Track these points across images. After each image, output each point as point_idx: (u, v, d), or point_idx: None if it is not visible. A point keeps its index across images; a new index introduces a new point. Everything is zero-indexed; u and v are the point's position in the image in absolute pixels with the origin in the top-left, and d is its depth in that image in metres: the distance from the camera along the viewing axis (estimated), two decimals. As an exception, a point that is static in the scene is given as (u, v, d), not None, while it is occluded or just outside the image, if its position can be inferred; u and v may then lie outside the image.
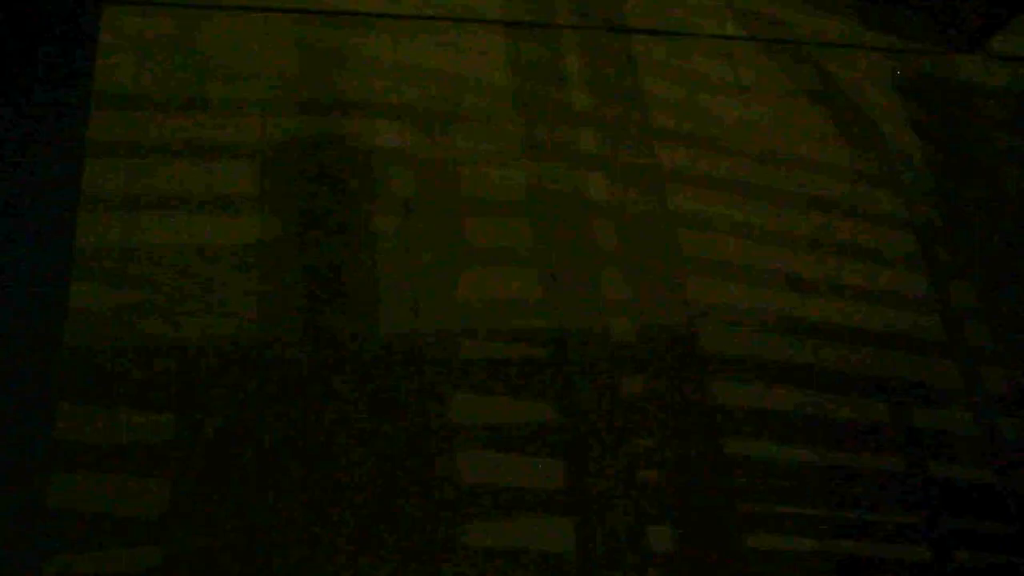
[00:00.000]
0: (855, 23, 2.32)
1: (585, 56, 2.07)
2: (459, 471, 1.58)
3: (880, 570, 1.66)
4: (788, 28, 2.26)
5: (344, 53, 1.92)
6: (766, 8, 2.27)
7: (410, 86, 1.93)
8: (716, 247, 1.91)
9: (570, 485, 1.61)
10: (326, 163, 1.80)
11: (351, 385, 1.62)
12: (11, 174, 1.64)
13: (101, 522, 1.42)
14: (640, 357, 1.75)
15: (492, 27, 2.04)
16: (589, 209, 1.89)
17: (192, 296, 1.62)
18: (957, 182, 2.16)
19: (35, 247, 1.60)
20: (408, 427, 1.60)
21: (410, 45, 1.97)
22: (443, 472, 1.58)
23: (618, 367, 1.74)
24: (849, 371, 1.85)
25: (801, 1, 2.31)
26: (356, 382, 1.62)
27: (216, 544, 1.45)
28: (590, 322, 1.77)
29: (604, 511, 1.60)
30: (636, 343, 1.77)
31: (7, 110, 1.68)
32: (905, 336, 1.92)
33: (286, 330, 1.63)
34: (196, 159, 1.75)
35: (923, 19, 2.39)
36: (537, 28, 2.08)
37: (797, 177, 2.05)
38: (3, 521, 1.40)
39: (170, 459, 1.49)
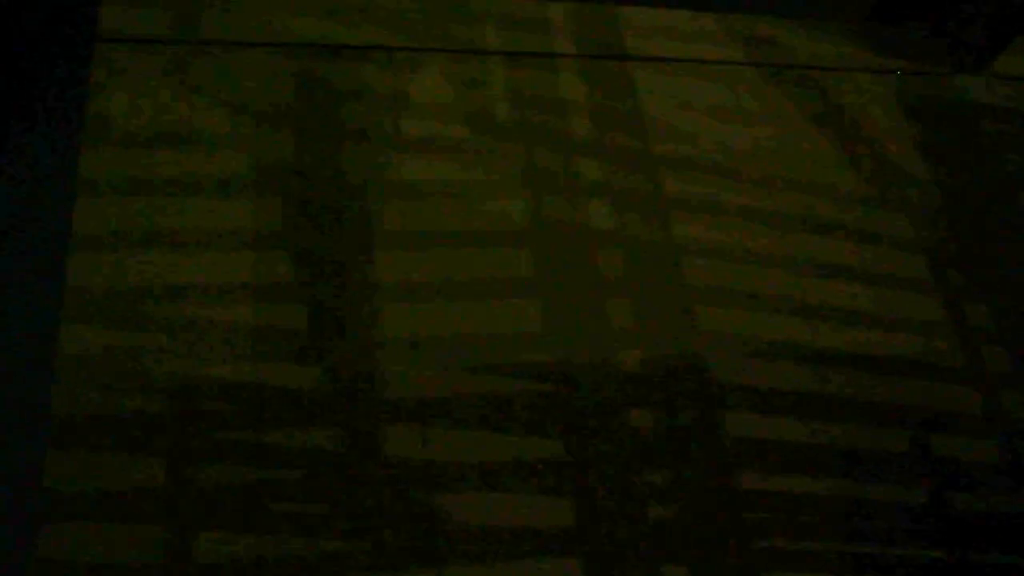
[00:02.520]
0: (858, 46, 2.30)
1: (585, 84, 2.05)
2: (464, 512, 1.53)
3: (905, 607, 1.60)
4: (790, 52, 2.24)
5: (341, 87, 1.90)
6: (768, 33, 2.26)
7: (409, 118, 1.90)
8: (723, 274, 1.87)
9: (580, 525, 1.56)
10: (323, 197, 1.77)
11: (349, 426, 1.57)
12: (1, 212, 1.61)
13: (96, 572, 1.37)
14: (649, 389, 1.71)
15: (491, 58, 2.03)
16: (592, 238, 1.85)
17: (186, 336, 1.59)
18: (966, 203, 2.12)
19: (26, 286, 1.56)
20: (410, 467, 1.55)
21: (409, 77, 1.96)
22: (447, 514, 1.52)
23: (626, 400, 1.69)
24: (864, 399, 1.80)
25: (803, 25, 2.30)
26: (355, 422, 1.57)
27: (212, 594, 1.40)
28: (596, 355, 1.72)
29: (616, 551, 1.55)
30: (644, 375, 1.72)
31: (-1, 150, 1.66)
32: (921, 362, 1.87)
33: (283, 370, 1.59)
34: (190, 196, 1.72)
35: (926, 41, 2.38)
36: (536, 58, 2.06)
37: (803, 202, 2.02)
38: (-10, 574, 1.35)
39: (165, 505, 1.44)
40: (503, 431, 1.61)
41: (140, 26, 1.86)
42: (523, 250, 1.81)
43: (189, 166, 1.74)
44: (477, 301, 1.73)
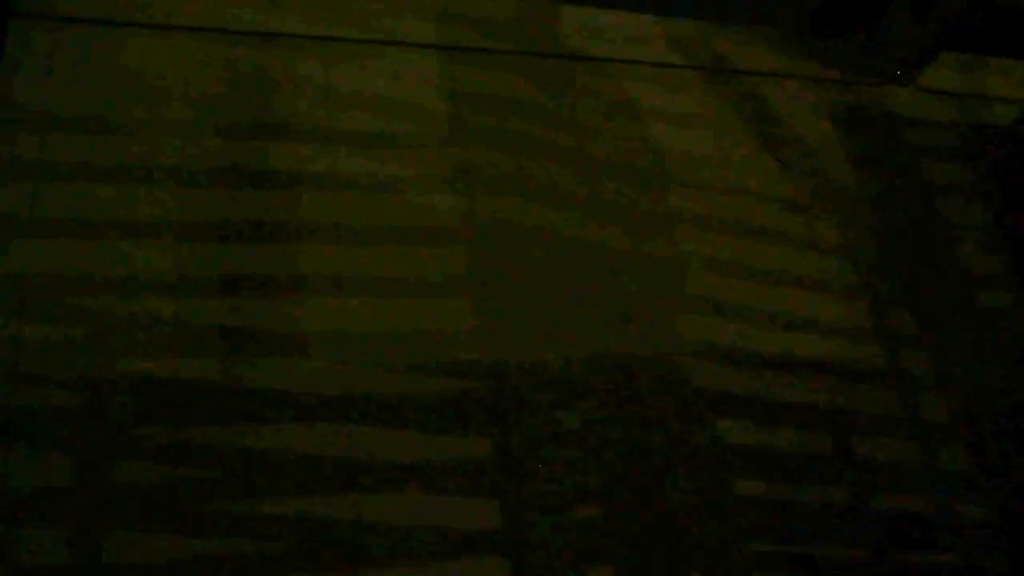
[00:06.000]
0: (792, 55, 2.34)
1: (523, 82, 2.04)
2: (388, 512, 1.50)
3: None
4: (728, 58, 2.27)
5: (273, 75, 1.86)
6: (708, 40, 2.28)
7: (341, 110, 1.87)
8: (655, 277, 1.88)
9: (506, 525, 1.54)
10: (251, 188, 1.72)
11: (275, 426, 1.52)
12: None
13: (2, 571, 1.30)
14: (579, 390, 1.70)
15: (428, 52, 2.00)
16: (527, 238, 1.84)
17: (106, 327, 1.52)
18: (893, 211, 2.18)
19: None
20: (333, 466, 1.52)
21: (342, 68, 1.92)
22: (370, 513, 1.49)
23: (556, 401, 1.68)
24: (792, 401, 1.82)
25: (740, 33, 2.33)
26: (280, 424, 1.53)
27: (123, 597, 1.34)
28: (527, 355, 1.71)
29: (543, 551, 1.53)
30: (575, 376, 1.71)
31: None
32: (846, 366, 1.91)
33: (206, 366, 1.53)
34: (110, 183, 1.65)
35: (858, 53, 2.43)
36: (475, 53, 2.04)
37: (736, 206, 2.04)
38: None
39: (73, 504, 1.37)
40: (430, 430, 1.59)
41: (61, 5, 1.78)
42: (456, 247, 1.79)
43: (110, 152, 1.67)
44: (406, 298, 1.70)
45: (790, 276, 1.98)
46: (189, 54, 1.82)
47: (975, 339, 2.04)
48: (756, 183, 2.09)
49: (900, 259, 2.10)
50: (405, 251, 1.75)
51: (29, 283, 1.52)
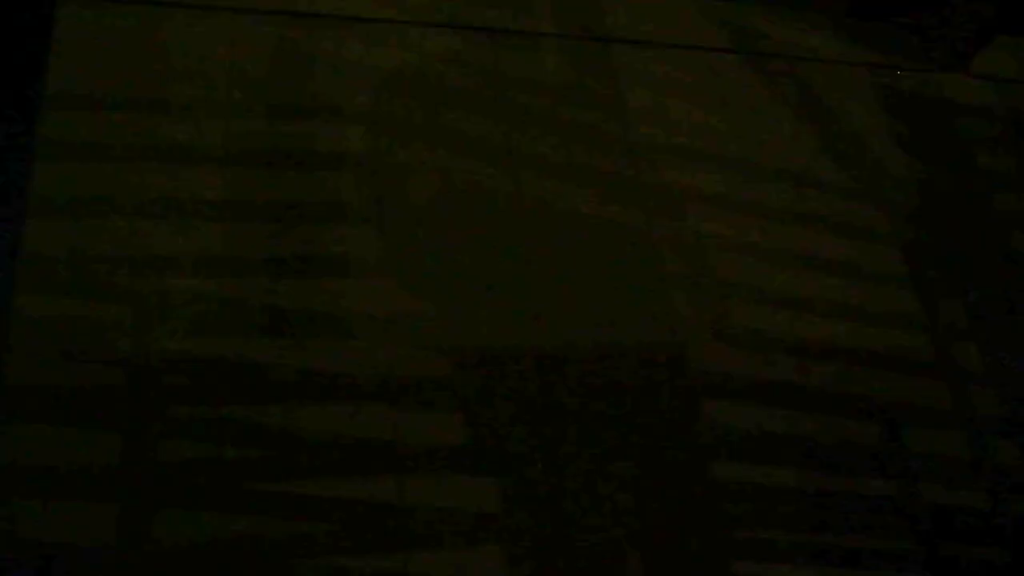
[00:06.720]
0: (838, 39, 2.29)
1: (565, 65, 2.01)
2: (430, 496, 1.49)
3: (871, 600, 1.60)
4: (772, 42, 2.23)
5: (314, 56, 1.85)
6: (750, 22, 2.24)
7: (383, 92, 1.86)
8: (701, 262, 1.85)
9: (541, 509, 1.53)
10: (292, 168, 1.72)
11: (318, 407, 1.52)
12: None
13: (46, 550, 1.32)
14: (623, 376, 1.68)
15: (470, 34, 1.98)
16: (570, 221, 1.82)
17: (150, 306, 1.53)
18: (942, 200, 2.13)
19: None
20: (378, 449, 1.51)
21: (384, 50, 1.91)
22: (415, 498, 1.49)
23: (599, 386, 1.66)
24: (839, 391, 1.79)
25: (784, 15, 2.28)
26: (323, 404, 1.53)
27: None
28: (583, 338, 1.69)
29: (583, 539, 1.52)
30: (618, 361, 1.69)
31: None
32: (895, 355, 1.87)
33: (250, 346, 1.54)
34: (155, 163, 1.66)
35: (906, 37, 2.37)
36: (516, 35, 2.02)
37: (782, 191, 2.00)
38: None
39: (122, 482, 1.39)
40: (469, 412, 1.58)
41: (107, -14, 1.79)
42: (497, 229, 1.77)
43: (155, 132, 1.68)
44: (451, 280, 1.70)
45: (834, 263, 1.95)
46: (230, 34, 1.82)
47: (1027, 331, 1.99)
48: (802, 168, 2.05)
49: (950, 249, 2.05)
50: (448, 232, 1.74)
51: (74, 262, 1.53)
